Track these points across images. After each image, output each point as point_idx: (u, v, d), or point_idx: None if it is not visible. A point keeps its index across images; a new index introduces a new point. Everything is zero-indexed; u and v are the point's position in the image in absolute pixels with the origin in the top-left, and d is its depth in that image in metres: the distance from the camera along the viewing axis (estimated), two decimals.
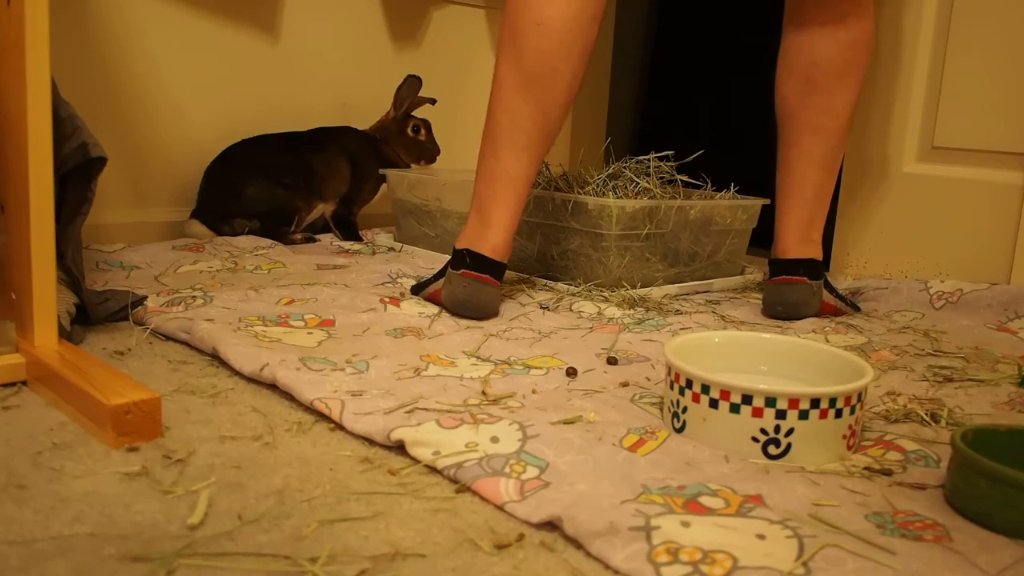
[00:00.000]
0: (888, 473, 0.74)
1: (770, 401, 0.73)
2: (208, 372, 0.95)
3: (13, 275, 0.88)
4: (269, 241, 1.63)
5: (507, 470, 0.70)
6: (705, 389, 0.76)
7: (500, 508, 0.66)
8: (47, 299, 0.86)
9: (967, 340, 1.24)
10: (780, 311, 1.30)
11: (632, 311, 1.30)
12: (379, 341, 1.06)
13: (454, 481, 0.70)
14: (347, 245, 1.71)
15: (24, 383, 0.87)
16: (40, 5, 0.80)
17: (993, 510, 0.64)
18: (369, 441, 0.78)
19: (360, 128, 1.88)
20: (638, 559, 0.57)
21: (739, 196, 1.58)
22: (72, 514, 0.62)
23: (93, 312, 1.05)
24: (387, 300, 1.23)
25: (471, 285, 1.15)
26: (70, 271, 1.03)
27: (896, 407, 0.91)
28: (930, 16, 1.59)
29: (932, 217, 1.61)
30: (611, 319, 1.25)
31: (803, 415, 0.74)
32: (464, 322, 1.18)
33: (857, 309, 1.39)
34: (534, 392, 0.90)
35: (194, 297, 1.17)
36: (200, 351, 1.01)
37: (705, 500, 0.65)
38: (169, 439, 0.76)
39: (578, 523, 0.61)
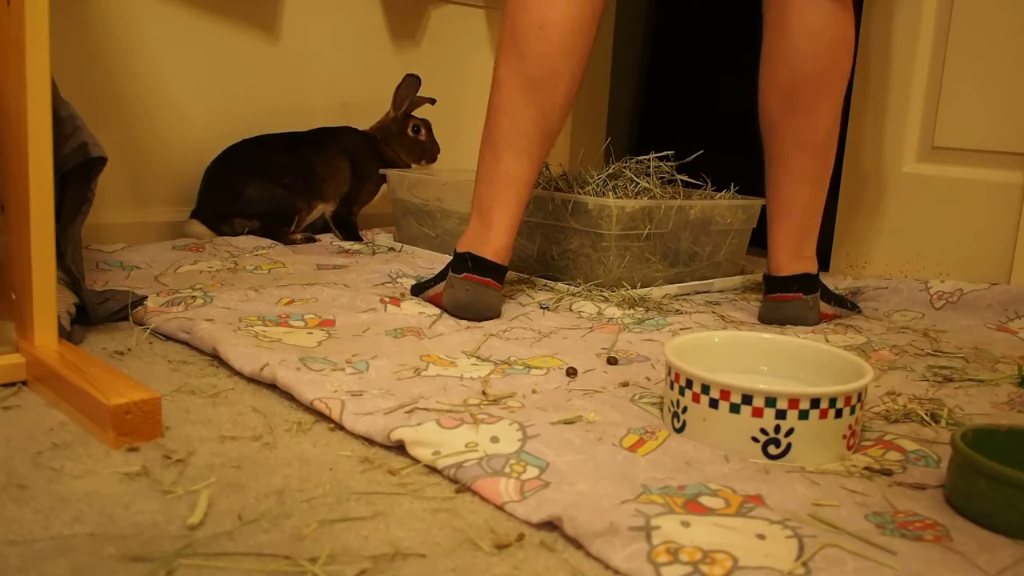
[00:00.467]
0: (888, 473, 0.74)
1: (770, 401, 0.73)
2: (208, 372, 0.95)
3: (13, 275, 0.88)
4: (269, 241, 1.63)
5: (507, 470, 0.70)
6: (705, 389, 0.76)
7: (500, 508, 0.66)
8: (47, 299, 0.86)
9: (967, 340, 1.24)
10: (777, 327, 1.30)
11: (632, 311, 1.30)
12: (379, 341, 1.06)
13: (454, 481, 0.70)
14: (347, 245, 1.71)
15: (24, 383, 0.87)
16: (40, 5, 0.80)
17: (993, 510, 0.64)
18: (369, 441, 0.78)
19: (360, 128, 1.88)
20: (638, 559, 0.57)
21: (739, 196, 1.58)
22: (72, 514, 0.62)
23: (93, 312, 1.05)
24: (387, 300, 1.23)
25: (473, 289, 1.15)
26: (70, 271, 1.03)
27: (896, 407, 0.91)
28: (930, 15, 1.59)
29: (932, 217, 1.61)
30: (611, 319, 1.25)
31: (803, 415, 0.74)
32: (464, 322, 1.18)
33: (857, 309, 1.39)
34: (534, 392, 0.90)
35: (194, 297, 1.17)
36: (200, 351, 1.01)
37: (705, 500, 0.65)
38: (169, 439, 0.76)
39: (578, 523, 0.61)
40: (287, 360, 0.92)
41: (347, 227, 1.80)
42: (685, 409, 0.78)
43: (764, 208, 1.57)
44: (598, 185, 1.46)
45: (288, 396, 0.87)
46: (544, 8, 1.12)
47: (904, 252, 1.64)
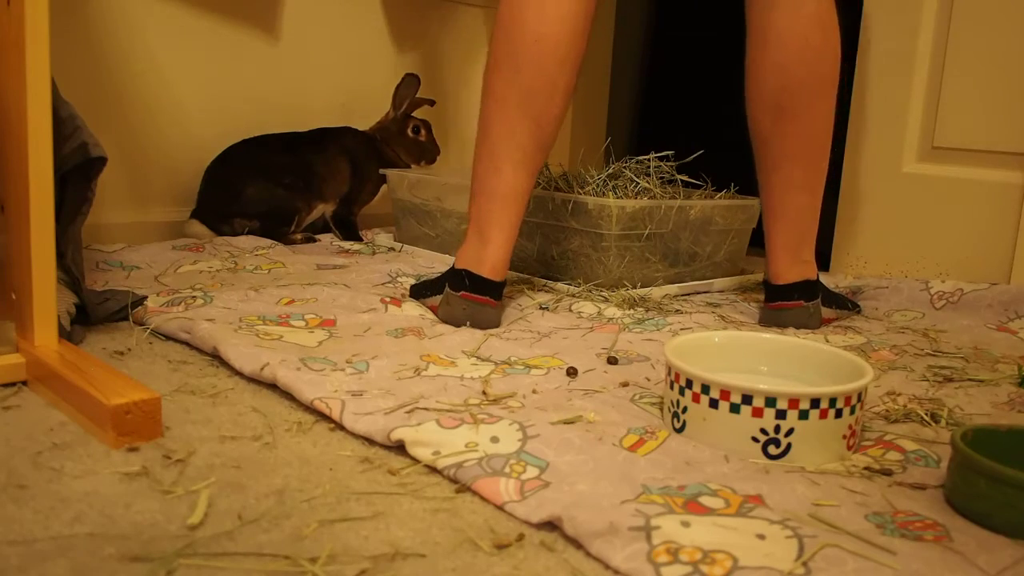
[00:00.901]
0: (888, 473, 0.74)
1: (770, 401, 0.73)
2: (208, 372, 0.95)
3: (13, 275, 0.88)
4: (269, 241, 1.63)
5: (507, 470, 0.70)
6: (705, 389, 0.76)
7: (500, 508, 0.66)
8: (47, 299, 0.86)
9: (967, 340, 1.24)
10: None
11: (632, 311, 1.30)
12: (379, 341, 1.06)
13: (454, 481, 0.70)
14: (347, 245, 1.71)
15: (24, 383, 0.87)
16: (40, 5, 0.80)
17: (993, 510, 0.64)
18: (369, 441, 0.78)
19: (360, 128, 1.88)
20: (638, 559, 0.57)
21: (739, 196, 1.58)
22: (72, 514, 0.62)
23: (93, 312, 1.05)
24: (387, 300, 1.23)
25: (471, 308, 1.15)
26: (70, 271, 1.03)
27: (896, 407, 0.91)
28: (930, 16, 1.59)
29: (932, 217, 1.61)
30: (611, 319, 1.25)
31: (803, 415, 0.74)
32: None
33: (857, 309, 1.39)
34: (534, 392, 0.90)
35: (194, 297, 1.17)
36: (200, 351, 1.01)
37: (705, 500, 0.65)
38: (169, 439, 0.76)
39: (578, 523, 0.61)
40: (287, 360, 0.92)
41: (347, 227, 1.80)
42: (685, 409, 0.78)
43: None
44: (598, 185, 1.46)
45: (288, 396, 0.87)
46: (539, 24, 1.11)
47: (904, 252, 1.64)
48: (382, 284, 1.38)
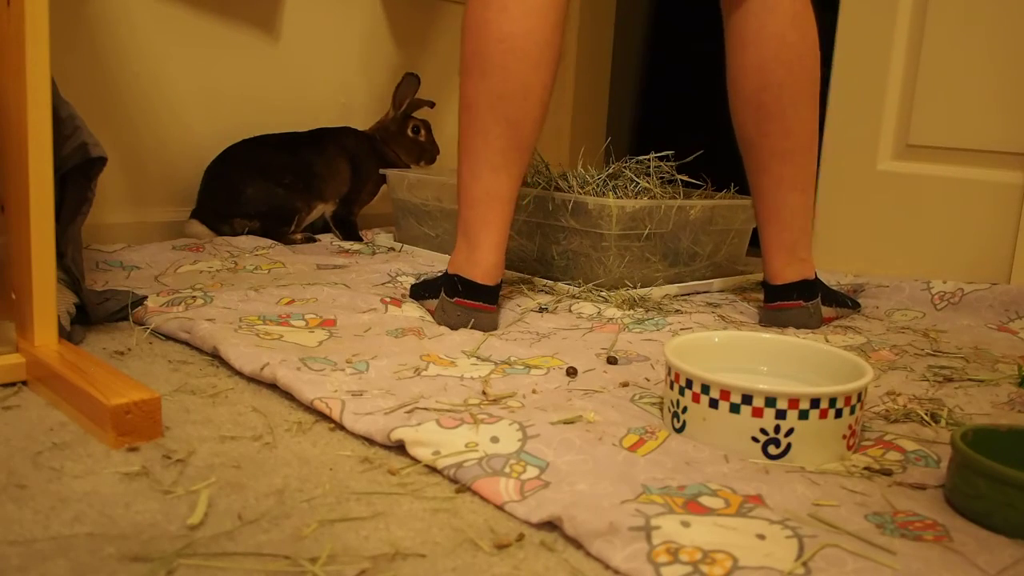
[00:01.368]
0: (888, 473, 0.74)
1: (770, 401, 0.73)
2: (208, 372, 0.95)
3: (13, 275, 0.88)
4: (269, 241, 1.63)
5: (507, 470, 0.70)
6: (705, 389, 0.76)
7: (500, 508, 0.66)
8: (47, 299, 0.86)
9: (967, 340, 1.24)
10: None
11: (632, 311, 1.30)
12: (379, 341, 1.06)
13: (454, 481, 0.70)
14: (347, 245, 1.71)
15: (24, 383, 0.87)
16: (40, 4, 0.80)
17: (993, 510, 0.64)
18: (369, 441, 0.78)
19: (360, 128, 1.88)
20: (638, 559, 0.57)
21: (739, 196, 1.58)
22: (72, 514, 0.62)
23: (93, 312, 1.05)
24: (387, 300, 1.23)
25: (465, 313, 1.14)
26: (70, 271, 1.03)
27: (896, 407, 0.91)
28: (905, 14, 1.61)
29: (907, 214, 1.63)
30: (611, 319, 1.25)
31: (803, 415, 0.74)
32: None
33: (857, 306, 1.39)
34: (534, 392, 0.90)
35: (194, 297, 1.17)
36: (200, 351, 1.01)
37: (705, 500, 0.65)
38: (169, 439, 0.76)
39: (578, 523, 0.61)
40: (287, 360, 0.92)
41: (347, 227, 1.80)
42: (685, 409, 0.78)
43: None
44: (598, 185, 1.46)
45: (288, 396, 0.87)
46: (503, 23, 1.08)
47: (880, 249, 1.66)
48: (382, 284, 1.38)
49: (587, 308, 1.29)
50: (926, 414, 0.88)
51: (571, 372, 0.97)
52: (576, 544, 0.61)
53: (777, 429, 0.74)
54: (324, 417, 0.83)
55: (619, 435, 0.77)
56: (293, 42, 1.86)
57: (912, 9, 1.60)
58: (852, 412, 0.76)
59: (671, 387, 0.81)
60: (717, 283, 1.54)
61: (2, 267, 0.91)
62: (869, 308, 1.42)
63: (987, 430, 0.72)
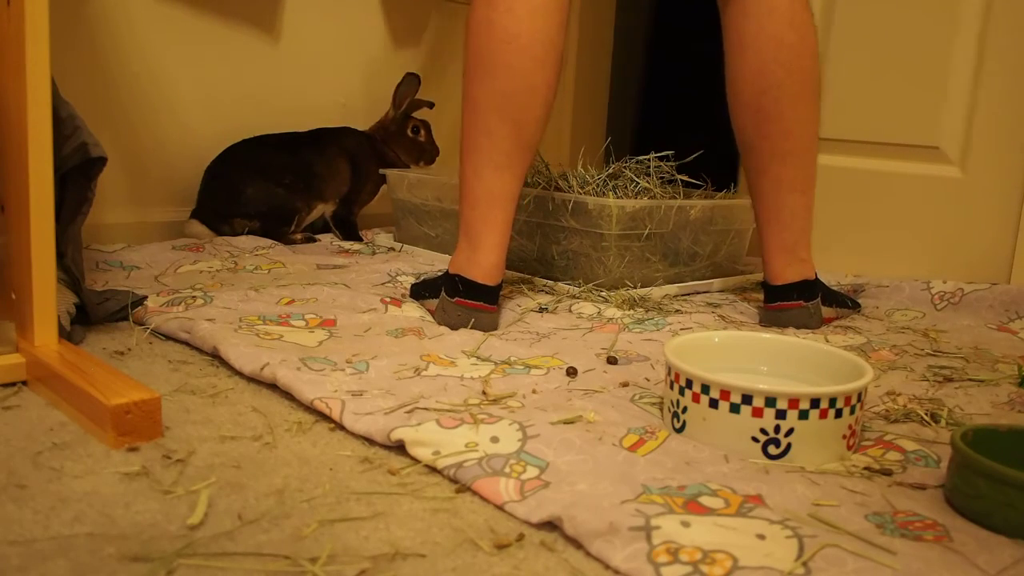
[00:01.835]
0: (888, 473, 0.74)
1: (770, 401, 0.73)
2: (208, 372, 0.95)
3: (13, 275, 0.88)
4: (269, 241, 1.63)
5: (507, 470, 0.70)
6: (705, 389, 0.76)
7: (500, 508, 0.66)
8: (47, 299, 0.86)
9: (967, 340, 1.24)
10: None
11: (632, 311, 1.30)
12: (379, 341, 1.06)
13: (454, 481, 0.70)
14: (347, 245, 1.71)
15: (24, 383, 0.87)
16: (40, 4, 0.80)
17: (993, 510, 0.64)
18: (369, 441, 0.78)
19: (360, 128, 1.88)
20: (638, 559, 0.57)
21: (739, 196, 1.58)
22: (72, 514, 0.62)
23: (93, 312, 1.05)
24: (387, 300, 1.23)
25: (465, 313, 1.14)
26: (70, 271, 1.03)
27: (896, 407, 0.91)
28: (815, 9, 1.65)
29: (825, 207, 1.70)
30: (611, 319, 1.25)
31: (803, 415, 0.74)
32: None
33: (857, 306, 1.39)
34: (534, 392, 0.90)
35: (194, 297, 1.17)
36: (200, 351, 1.01)
37: (705, 500, 0.65)
38: (169, 439, 0.76)
39: (578, 523, 0.61)
40: (287, 360, 0.92)
41: (347, 227, 1.80)
42: (685, 409, 0.78)
43: None
44: (598, 185, 1.46)
45: (288, 396, 0.87)
46: (510, 24, 1.09)
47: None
48: (382, 284, 1.38)
49: (587, 308, 1.29)
50: (926, 414, 0.88)
51: (571, 372, 0.97)
52: (576, 544, 0.61)
53: (777, 429, 0.74)
54: (324, 417, 0.83)
55: (619, 435, 0.77)
56: (293, 42, 1.86)
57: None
58: (852, 412, 0.76)
59: (671, 387, 0.81)
60: (717, 283, 1.54)
61: (2, 267, 0.91)
62: (869, 308, 1.42)
63: (987, 430, 0.72)
